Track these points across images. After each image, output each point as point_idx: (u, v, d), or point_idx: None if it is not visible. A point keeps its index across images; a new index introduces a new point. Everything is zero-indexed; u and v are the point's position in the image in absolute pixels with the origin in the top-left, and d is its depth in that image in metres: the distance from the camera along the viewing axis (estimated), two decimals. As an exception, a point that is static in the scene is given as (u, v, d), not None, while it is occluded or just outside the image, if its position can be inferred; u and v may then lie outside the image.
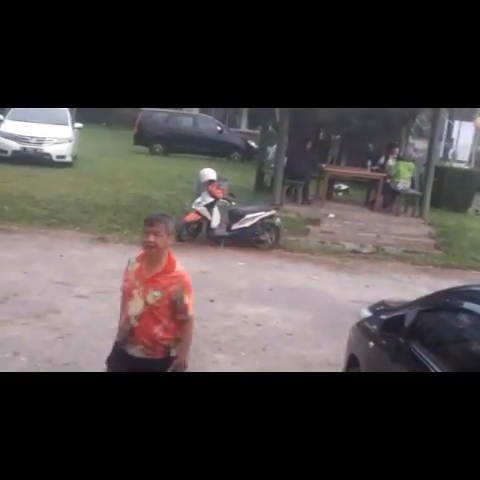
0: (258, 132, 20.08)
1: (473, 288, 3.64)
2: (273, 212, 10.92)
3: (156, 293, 3.58)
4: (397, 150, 13.78)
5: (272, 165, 13.40)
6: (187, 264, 9.80)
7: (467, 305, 3.45)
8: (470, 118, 27.92)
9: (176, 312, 3.64)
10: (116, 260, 9.16)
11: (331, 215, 12.18)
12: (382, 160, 13.94)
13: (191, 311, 3.71)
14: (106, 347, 5.85)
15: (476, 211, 15.30)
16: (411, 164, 12.95)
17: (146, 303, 3.60)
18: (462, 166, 19.59)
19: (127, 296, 3.72)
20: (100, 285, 7.74)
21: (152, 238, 3.54)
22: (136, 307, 3.63)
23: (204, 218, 10.60)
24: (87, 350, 5.62)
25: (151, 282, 3.61)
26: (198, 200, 10.64)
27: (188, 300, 3.65)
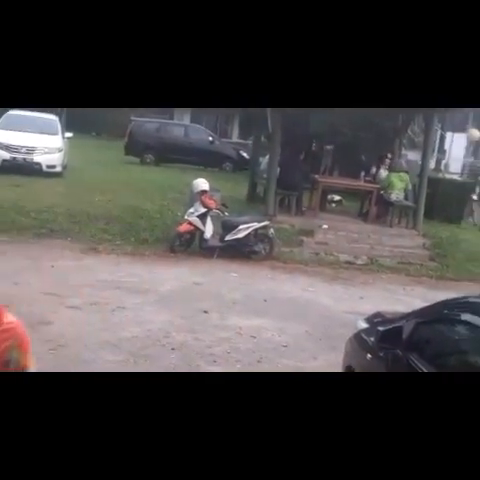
0: (250, 142, 20.08)
1: (470, 299, 3.60)
2: (267, 223, 10.88)
3: None
4: (388, 161, 13.80)
5: (265, 176, 13.37)
6: (180, 275, 9.82)
7: (465, 316, 3.41)
8: (462, 129, 28.14)
9: None
10: (108, 271, 9.11)
11: (325, 226, 12.14)
12: (373, 171, 13.96)
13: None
14: (99, 359, 5.77)
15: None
16: (404, 175, 12.96)
17: None
18: (455, 177, 19.65)
19: None
20: (92, 296, 7.65)
21: None
22: None
23: (197, 229, 10.54)
24: (79, 362, 5.52)
25: None
26: (191, 210, 10.58)
27: (25, 360, 2.63)
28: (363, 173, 14.38)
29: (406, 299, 9.02)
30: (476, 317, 3.25)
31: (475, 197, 16.76)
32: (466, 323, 3.38)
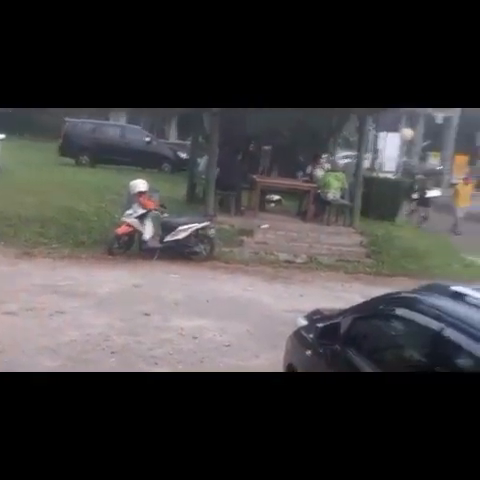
0: (188, 143, 19.99)
1: (405, 294, 3.69)
2: (207, 223, 10.86)
3: None
4: (322, 161, 14.05)
5: (203, 176, 13.35)
6: (119, 278, 9.64)
7: (399, 311, 3.51)
8: (396, 129, 29.02)
9: None
10: (44, 275, 8.87)
11: (264, 226, 12.23)
12: (308, 170, 14.17)
13: None
14: (37, 364, 5.61)
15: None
16: (340, 174, 13.22)
17: None
18: (389, 176, 20.22)
19: None
20: (28, 301, 7.44)
21: None
22: None
23: (136, 230, 10.41)
24: (17, 368, 5.35)
25: None
26: (129, 212, 10.44)
27: None
28: (300, 173, 14.57)
29: (345, 295, 9.20)
30: (409, 311, 3.35)
31: (415, 196, 17.33)
32: (400, 318, 3.49)
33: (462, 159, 27.03)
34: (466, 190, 18.23)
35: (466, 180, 19.25)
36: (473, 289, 3.16)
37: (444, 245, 13.87)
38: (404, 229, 14.55)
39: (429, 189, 17.96)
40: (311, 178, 13.81)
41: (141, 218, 10.38)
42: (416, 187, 17.87)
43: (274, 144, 16.07)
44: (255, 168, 14.63)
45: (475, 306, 2.95)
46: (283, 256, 11.47)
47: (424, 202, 17.34)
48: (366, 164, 29.60)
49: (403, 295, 3.67)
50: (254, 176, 13.59)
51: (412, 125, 30.85)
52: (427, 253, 12.45)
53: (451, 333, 2.88)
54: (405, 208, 16.68)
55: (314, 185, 13.26)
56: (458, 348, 2.84)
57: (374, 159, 32.19)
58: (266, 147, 16.05)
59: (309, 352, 4.15)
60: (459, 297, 3.07)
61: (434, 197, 17.94)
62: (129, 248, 10.51)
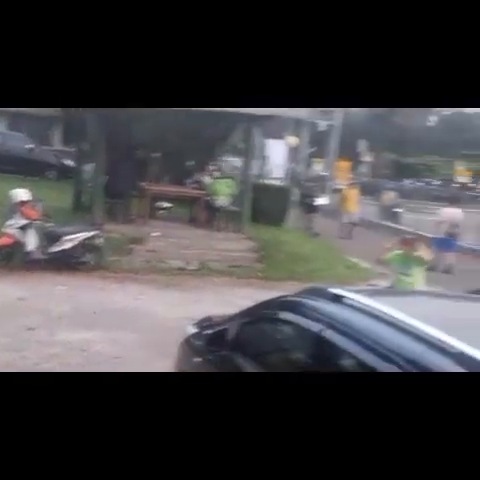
0: (73, 150, 19.42)
1: (286, 298, 3.78)
2: (95, 232, 10.59)
3: None
4: (211, 168, 14.19)
5: (90, 184, 13.03)
6: (2, 291, 9.14)
7: (282, 315, 3.59)
8: (282, 137, 29.81)
9: None
10: None
11: (155, 233, 12.12)
12: (198, 178, 14.26)
13: None
14: None
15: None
16: (229, 181, 13.39)
17: None
18: (276, 183, 20.74)
19: None
20: None
21: None
22: None
23: (17, 241, 9.97)
24: None
25: None
26: (10, 222, 9.99)
27: None
28: (189, 180, 14.61)
29: (236, 301, 9.29)
30: (291, 314, 3.45)
31: (306, 203, 17.86)
32: (283, 321, 3.58)
33: (344, 165, 28.30)
34: (352, 195, 19.04)
35: (351, 185, 20.12)
36: (351, 291, 3.30)
37: (328, 249, 14.44)
38: (291, 234, 15.00)
39: (317, 196, 18.64)
40: (200, 185, 13.90)
41: (23, 229, 9.96)
42: (303, 194, 18.48)
43: (163, 151, 15.98)
44: (144, 175, 14.49)
45: (352, 307, 3.09)
46: (175, 263, 11.43)
47: (313, 209, 17.96)
48: (255, 171, 30.35)
49: (285, 299, 3.77)
50: (143, 183, 13.45)
51: (298, 133, 31.85)
52: (313, 257, 12.91)
53: (330, 334, 3.00)
54: (294, 214, 17.16)
55: (203, 192, 13.34)
56: (337, 349, 2.96)
57: (262, 166, 32.93)
58: (155, 154, 15.92)
59: (199, 359, 4.16)
60: (337, 299, 3.20)
61: (322, 204, 18.64)
62: (11, 260, 10.03)
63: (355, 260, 13.42)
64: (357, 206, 18.99)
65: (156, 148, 15.65)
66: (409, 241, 7.74)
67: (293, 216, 17.13)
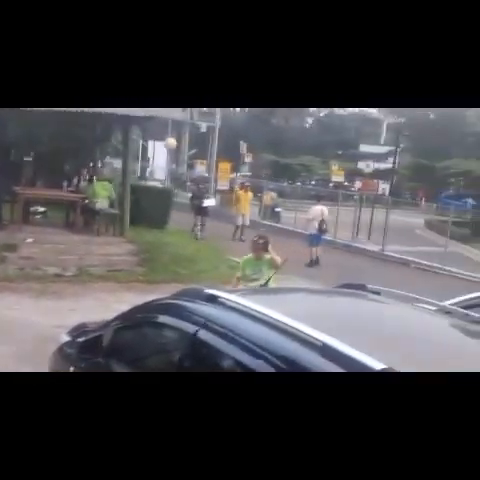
0: None
1: (162, 301, 3.74)
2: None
3: None
4: (88, 170, 13.88)
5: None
6: None
7: (157, 318, 3.56)
8: (163, 138, 29.74)
9: None
10: None
11: (29, 240, 11.60)
12: (75, 181, 13.88)
13: None
14: None
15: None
16: (107, 184, 13.13)
17: None
18: (158, 184, 20.64)
19: None
20: None
21: None
22: None
23: None
24: None
25: None
26: None
27: None
28: (66, 183, 14.16)
29: (117, 306, 9.10)
30: (167, 317, 3.42)
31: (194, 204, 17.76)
32: (159, 324, 3.54)
33: (225, 166, 28.63)
34: (245, 197, 19.12)
35: (244, 187, 20.10)
36: (225, 291, 3.34)
37: (212, 250, 14.56)
38: (174, 236, 14.94)
39: (205, 198, 18.63)
40: (78, 188, 13.51)
41: None
42: (192, 195, 18.40)
43: (37, 153, 15.35)
44: (17, 179, 13.83)
45: (226, 307, 3.12)
46: (52, 270, 11.02)
47: (203, 211, 17.83)
48: (138, 173, 30.02)
49: (160, 302, 3.73)
50: (16, 187, 12.82)
51: (179, 134, 31.90)
52: (197, 258, 12.95)
53: (204, 334, 3.01)
54: (177, 215, 17.06)
55: (81, 195, 12.96)
56: (211, 348, 2.98)
57: (145, 168, 32.69)
58: (28, 157, 15.26)
59: (72, 368, 4.02)
60: (212, 299, 3.22)
61: (210, 205, 18.63)
62: None
63: (238, 260, 13.62)
64: (248, 208, 19.17)
65: (29, 149, 15.02)
66: (258, 245, 7.45)
67: (175, 218, 17.08)
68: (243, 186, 20.38)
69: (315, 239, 15.33)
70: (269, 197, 24.72)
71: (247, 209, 18.96)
